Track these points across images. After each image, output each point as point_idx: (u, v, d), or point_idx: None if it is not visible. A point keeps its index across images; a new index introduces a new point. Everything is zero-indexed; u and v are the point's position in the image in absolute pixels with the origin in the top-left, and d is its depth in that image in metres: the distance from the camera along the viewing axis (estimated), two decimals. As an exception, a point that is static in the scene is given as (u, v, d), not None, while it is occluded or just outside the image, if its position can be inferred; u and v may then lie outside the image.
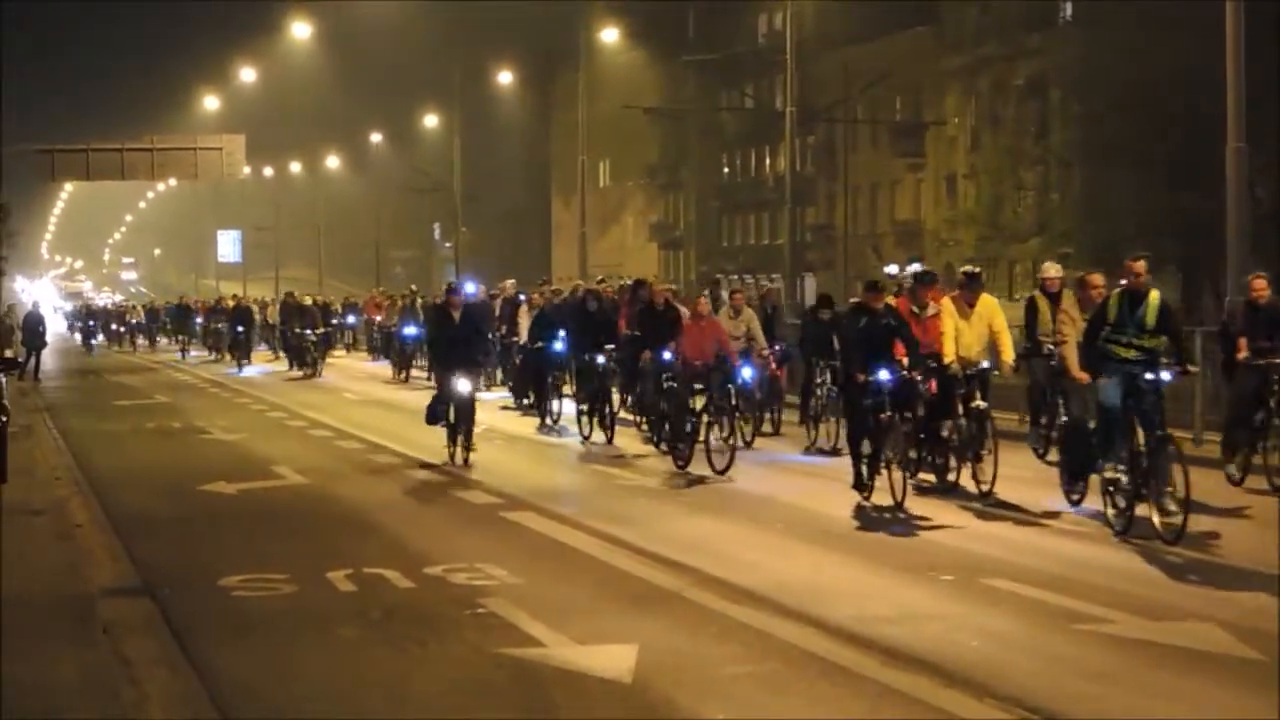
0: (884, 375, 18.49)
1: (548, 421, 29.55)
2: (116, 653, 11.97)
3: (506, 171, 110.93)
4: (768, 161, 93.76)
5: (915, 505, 18.57)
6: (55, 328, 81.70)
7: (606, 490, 21.26)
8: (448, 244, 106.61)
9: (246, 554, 16.43)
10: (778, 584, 14.23)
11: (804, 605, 13.34)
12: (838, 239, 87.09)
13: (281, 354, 53.01)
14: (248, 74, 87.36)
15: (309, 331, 47.82)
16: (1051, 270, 22.38)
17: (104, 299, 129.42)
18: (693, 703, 10.78)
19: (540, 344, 30.73)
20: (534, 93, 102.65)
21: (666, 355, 24.56)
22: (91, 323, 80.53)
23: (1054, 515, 17.81)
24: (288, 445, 27.77)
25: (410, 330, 43.74)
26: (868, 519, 18.16)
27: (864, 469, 18.66)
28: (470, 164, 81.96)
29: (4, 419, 19.59)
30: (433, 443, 24.69)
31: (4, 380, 21.37)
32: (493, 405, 33.84)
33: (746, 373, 25.05)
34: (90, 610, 13.46)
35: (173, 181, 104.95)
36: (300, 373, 47.45)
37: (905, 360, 18.74)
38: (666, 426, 24.05)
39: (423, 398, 36.84)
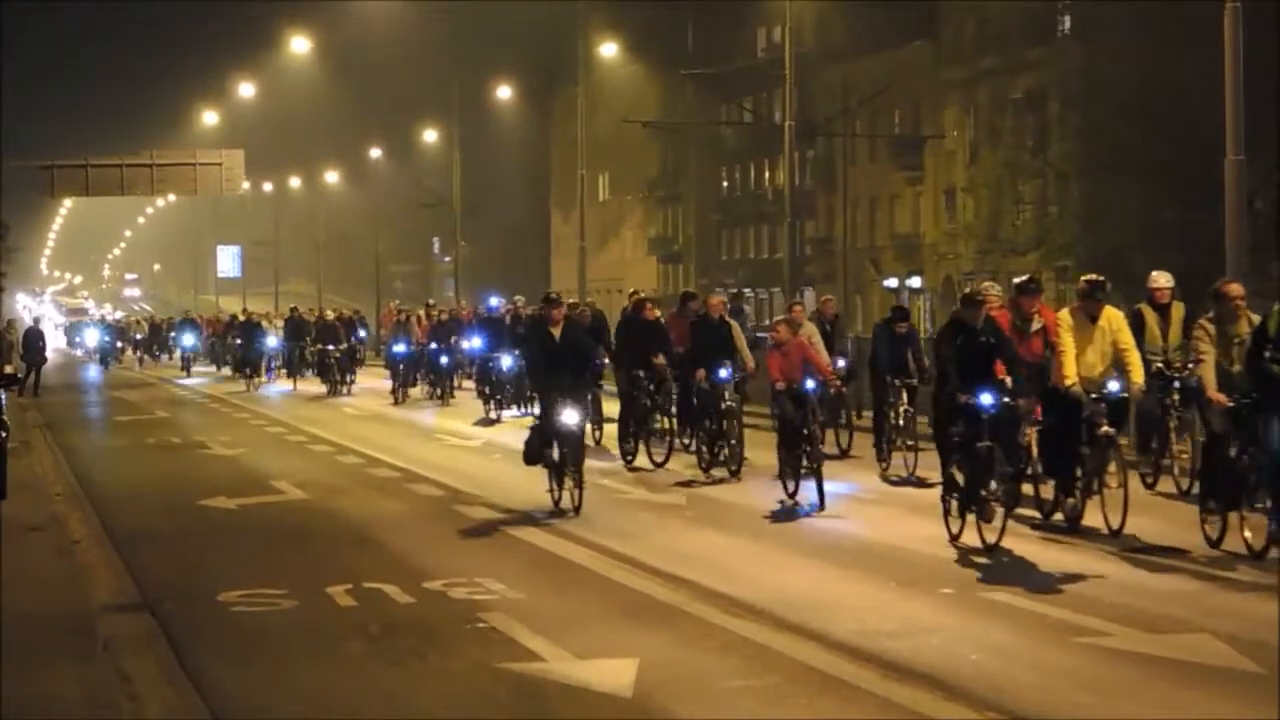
0: (986, 399, 16.53)
1: (588, 443, 28.40)
2: (116, 668, 11.97)
3: (506, 186, 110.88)
4: (767, 175, 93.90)
5: (915, 518, 18.59)
6: (55, 343, 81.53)
7: (607, 504, 21.22)
8: (447, 258, 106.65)
9: (246, 569, 16.42)
10: (778, 598, 14.22)
11: (805, 619, 13.33)
12: (837, 252, 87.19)
13: (283, 371, 52.15)
14: (247, 89, 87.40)
15: (331, 347, 45.61)
16: (1161, 280, 20.35)
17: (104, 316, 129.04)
18: (693, 717, 10.79)
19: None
20: (533, 107, 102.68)
21: (723, 373, 23.14)
22: (107, 340, 76.85)
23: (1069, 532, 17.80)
24: (287, 460, 27.76)
25: (401, 348, 42.21)
26: (866, 532, 18.14)
27: (956, 504, 16.84)
28: (469, 178, 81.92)
29: (4, 434, 19.59)
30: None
31: (4, 396, 21.36)
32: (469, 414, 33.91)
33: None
34: (90, 626, 13.46)
35: (172, 197, 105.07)
36: (325, 389, 45.41)
37: (1007, 381, 16.79)
38: (725, 450, 22.88)
39: (420, 415, 36.96)
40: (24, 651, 12.31)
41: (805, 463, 20.01)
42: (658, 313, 26.81)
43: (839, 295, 78.19)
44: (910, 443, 22.73)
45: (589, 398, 23.88)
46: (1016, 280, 18.33)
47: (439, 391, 40.78)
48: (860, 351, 28.98)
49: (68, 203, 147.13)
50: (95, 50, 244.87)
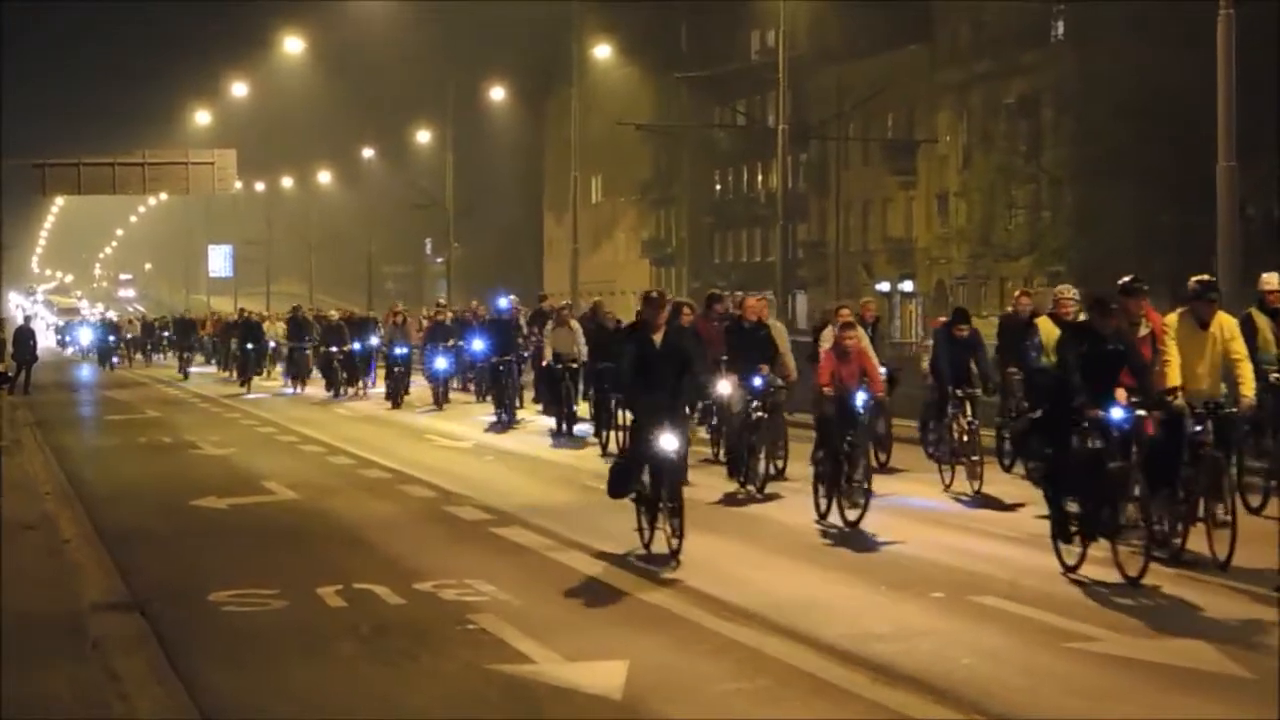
0: (1117, 413, 15.05)
1: (611, 450, 26.31)
2: (106, 668, 11.95)
3: (499, 187, 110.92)
4: (760, 178, 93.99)
5: (903, 521, 18.60)
6: (45, 342, 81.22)
7: (598, 506, 21.16)
8: (439, 259, 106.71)
9: (237, 569, 16.39)
10: (769, 601, 14.21)
11: (796, 622, 13.33)
12: (829, 256, 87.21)
13: (277, 371, 51.58)
14: (240, 89, 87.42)
15: (335, 349, 44.12)
16: (1273, 281, 19.52)
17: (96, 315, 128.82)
18: (683, 719, 10.77)
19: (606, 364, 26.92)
20: (527, 108, 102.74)
21: (758, 381, 21.72)
22: (113, 338, 74.48)
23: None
24: (279, 460, 27.73)
25: (402, 350, 40.47)
26: (859, 536, 18.12)
27: (1067, 532, 15.36)
28: (463, 179, 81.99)
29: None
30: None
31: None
32: (466, 417, 33.92)
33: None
34: (80, 625, 13.44)
35: (164, 196, 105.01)
36: (331, 394, 43.85)
37: (1125, 392, 15.29)
38: (764, 465, 21.53)
39: (413, 417, 36.90)
40: (14, 651, 12.28)
41: (851, 481, 18.53)
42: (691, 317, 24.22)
43: (831, 299, 78.30)
44: (975, 459, 21.22)
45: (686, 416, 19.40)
46: (1122, 280, 16.77)
47: (434, 395, 39.43)
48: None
49: (59, 201, 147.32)
50: (88, 50, 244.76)
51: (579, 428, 30.57)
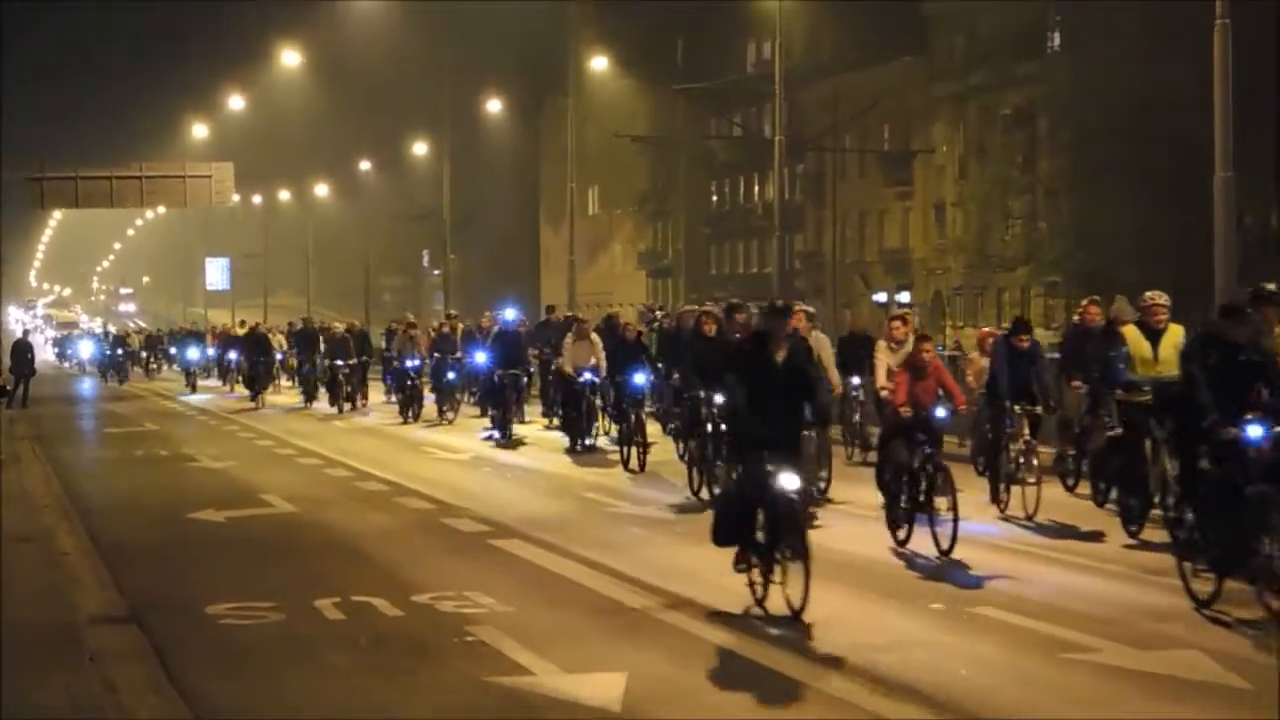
0: (1255, 431, 13.60)
1: (634, 467, 25.84)
2: (103, 680, 11.95)
3: (495, 199, 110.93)
4: (756, 189, 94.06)
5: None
6: (43, 356, 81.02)
7: (596, 518, 21.21)
8: (436, 271, 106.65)
9: (234, 582, 16.38)
10: (767, 612, 14.19)
11: (793, 633, 13.32)
12: (826, 267, 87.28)
13: (290, 383, 50.88)
14: (236, 102, 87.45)
15: (341, 362, 42.72)
16: None
17: (95, 328, 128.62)
18: (681, 731, 10.78)
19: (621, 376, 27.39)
20: (523, 120, 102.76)
21: None
22: (121, 352, 70.83)
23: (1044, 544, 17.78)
24: (276, 473, 27.71)
25: (413, 363, 39.14)
26: (854, 548, 18.11)
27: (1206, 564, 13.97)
28: (459, 191, 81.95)
29: (-8, 446, 19.58)
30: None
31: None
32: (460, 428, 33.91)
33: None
34: (77, 638, 13.44)
35: (161, 209, 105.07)
36: (335, 410, 42.40)
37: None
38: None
39: (412, 431, 36.84)
40: (11, 663, 12.28)
41: (934, 505, 17.07)
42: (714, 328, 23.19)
43: (828, 310, 78.36)
44: (1032, 480, 19.62)
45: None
46: (1255, 288, 15.44)
47: (442, 408, 38.07)
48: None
49: (57, 214, 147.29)
50: (84, 63, 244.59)
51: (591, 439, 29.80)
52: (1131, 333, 18.38)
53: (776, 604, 13.96)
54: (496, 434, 32.32)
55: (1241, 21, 26.54)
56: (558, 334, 33.88)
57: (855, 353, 25.25)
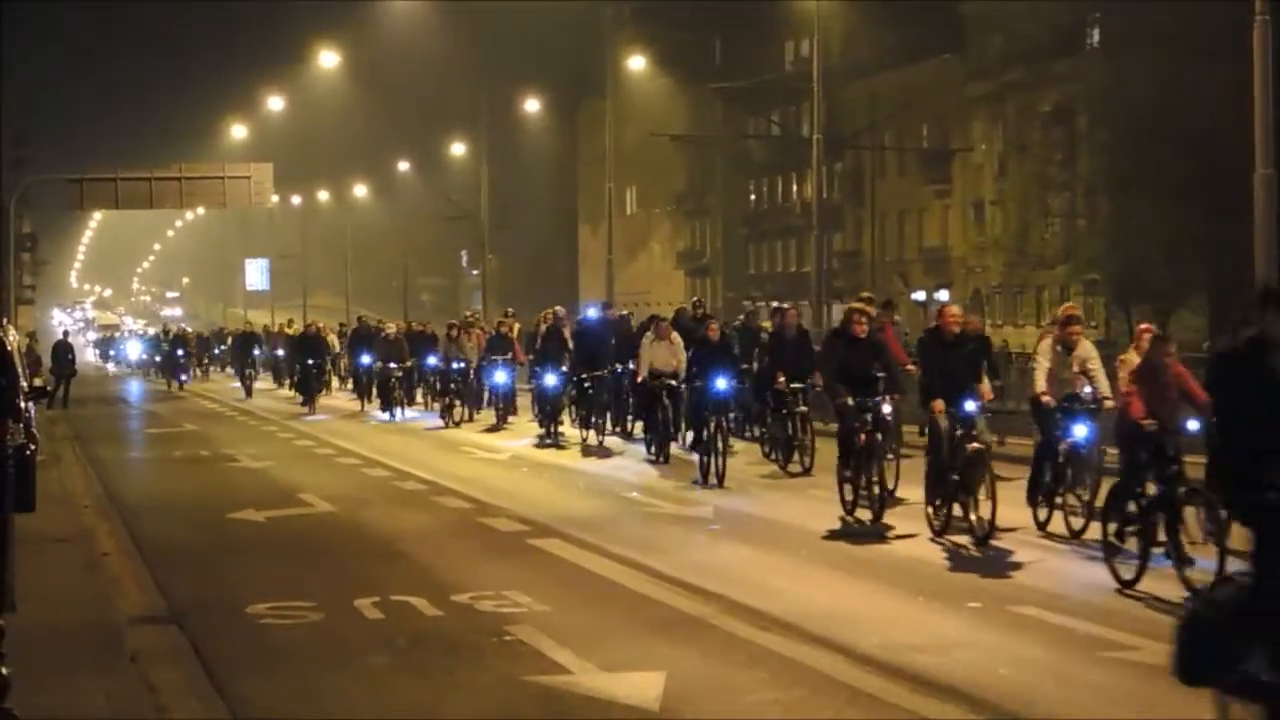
0: None
1: (711, 479, 24.10)
2: (144, 681, 11.98)
3: (533, 199, 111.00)
4: (794, 188, 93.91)
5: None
6: (85, 357, 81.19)
7: (633, 517, 21.21)
8: (474, 271, 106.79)
9: (274, 582, 16.42)
10: (805, 611, 14.19)
11: (831, 632, 13.30)
12: (865, 266, 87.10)
13: (341, 385, 50.27)
14: (276, 103, 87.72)
15: (394, 365, 40.83)
16: None
17: (138, 330, 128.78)
18: (720, 730, 10.77)
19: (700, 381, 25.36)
20: (561, 120, 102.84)
21: (970, 406, 18.48)
22: (180, 352, 65.57)
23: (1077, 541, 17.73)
24: (315, 473, 27.78)
25: (459, 365, 37.61)
26: (893, 546, 18.08)
27: None
28: (497, 191, 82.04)
29: (33, 447, 19.62)
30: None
31: (33, 409, 21.41)
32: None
33: (1080, 430, 18.38)
34: (118, 638, 13.47)
35: (201, 210, 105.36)
36: (387, 416, 40.40)
37: None
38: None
39: (450, 430, 36.81)
40: (51, 664, 12.30)
41: (1178, 535, 15.08)
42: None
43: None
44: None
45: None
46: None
47: (470, 413, 37.29)
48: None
49: (97, 216, 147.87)
50: (124, 64, 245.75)
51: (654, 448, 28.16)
52: None
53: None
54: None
55: (1280, 18, 26.41)
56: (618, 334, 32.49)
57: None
